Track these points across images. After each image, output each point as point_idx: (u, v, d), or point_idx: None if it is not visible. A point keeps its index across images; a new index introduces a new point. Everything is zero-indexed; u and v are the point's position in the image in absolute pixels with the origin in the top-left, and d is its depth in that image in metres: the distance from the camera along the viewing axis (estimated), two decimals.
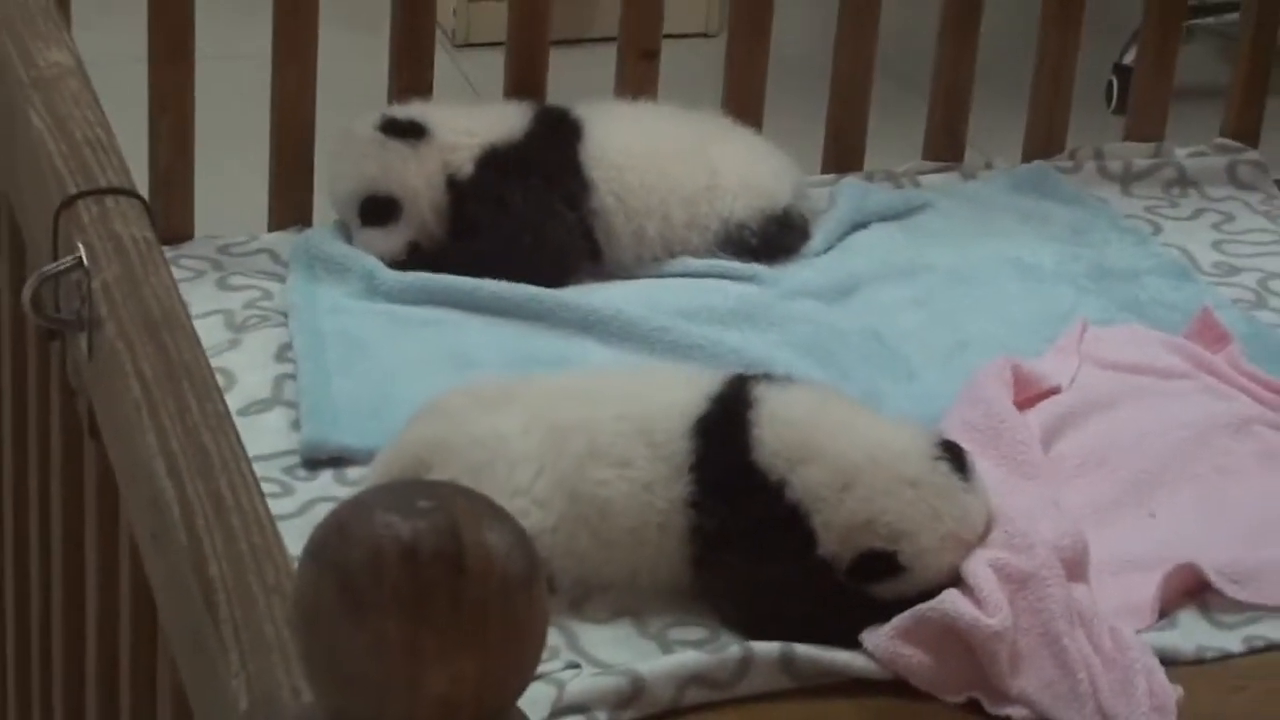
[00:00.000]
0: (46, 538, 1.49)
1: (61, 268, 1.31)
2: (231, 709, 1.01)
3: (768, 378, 2.11)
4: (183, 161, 2.53)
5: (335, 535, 0.87)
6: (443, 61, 3.44)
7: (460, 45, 3.77)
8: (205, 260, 2.50)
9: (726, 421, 2.04)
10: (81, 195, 1.36)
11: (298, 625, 0.88)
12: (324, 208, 2.58)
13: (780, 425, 2.03)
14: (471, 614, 0.84)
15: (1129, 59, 3.86)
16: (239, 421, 2.17)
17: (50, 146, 1.41)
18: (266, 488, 2.09)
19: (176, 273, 2.41)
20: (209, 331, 2.36)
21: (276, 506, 2.10)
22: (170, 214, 2.54)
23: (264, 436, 2.21)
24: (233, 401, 2.24)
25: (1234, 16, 3.37)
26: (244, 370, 2.31)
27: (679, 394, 2.07)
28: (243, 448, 1.20)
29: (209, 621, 1.07)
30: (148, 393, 1.21)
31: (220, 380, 2.24)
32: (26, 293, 1.32)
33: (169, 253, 2.48)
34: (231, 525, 1.11)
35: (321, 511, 2.10)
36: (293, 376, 2.29)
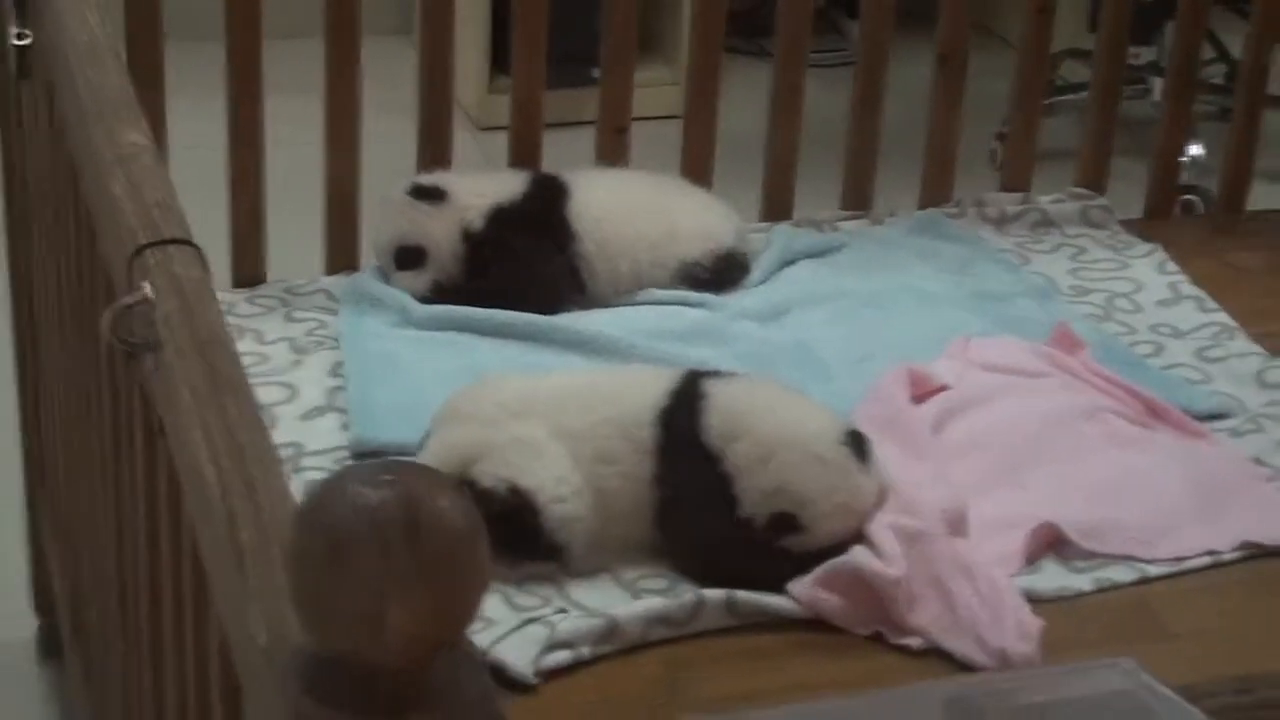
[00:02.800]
0: (135, 515, 1.49)
1: (132, 302, 1.30)
2: (255, 644, 1.00)
3: (716, 373, 2.10)
4: (256, 222, 2.52)
5: (318, 502, 0.87)
6: (467, 141, 3.45)
7: (482, 129, 3.77)
8: (275, 298, 2.49)
9: (682, 410, 2.03)
10: (149, 245, 1.35)
11: (290, 573, 0.88)
12: (367, 255, 2.57)
13: (721, 410, 2.02)
14: (426, 563, 0.83)
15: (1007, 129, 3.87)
16: (300, 425, 2.22)
17: (126, 207, 1.40)
18: (320, 475, 2.11)
19: (251, 308, 2.46)
20: (278, 354, 2.36)
21: None
22: (247, 263, 2.53)
23: (321, 435, 2.20)
24: (295, 408, 2.25)
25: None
26: (305, 384, 2.30)
27: (647, 391, 2.06)
28: (271, 441, 1.18)
29: (239, 578, 1.06)
30: (197, 400, 1.20)
31: (285, 392, 2.29)
32: (105, 321, 1.31)
33: (247, 293, 2.50)
34: (259, 502, 1.10)
35: None
36: (343, 388, 2.28)
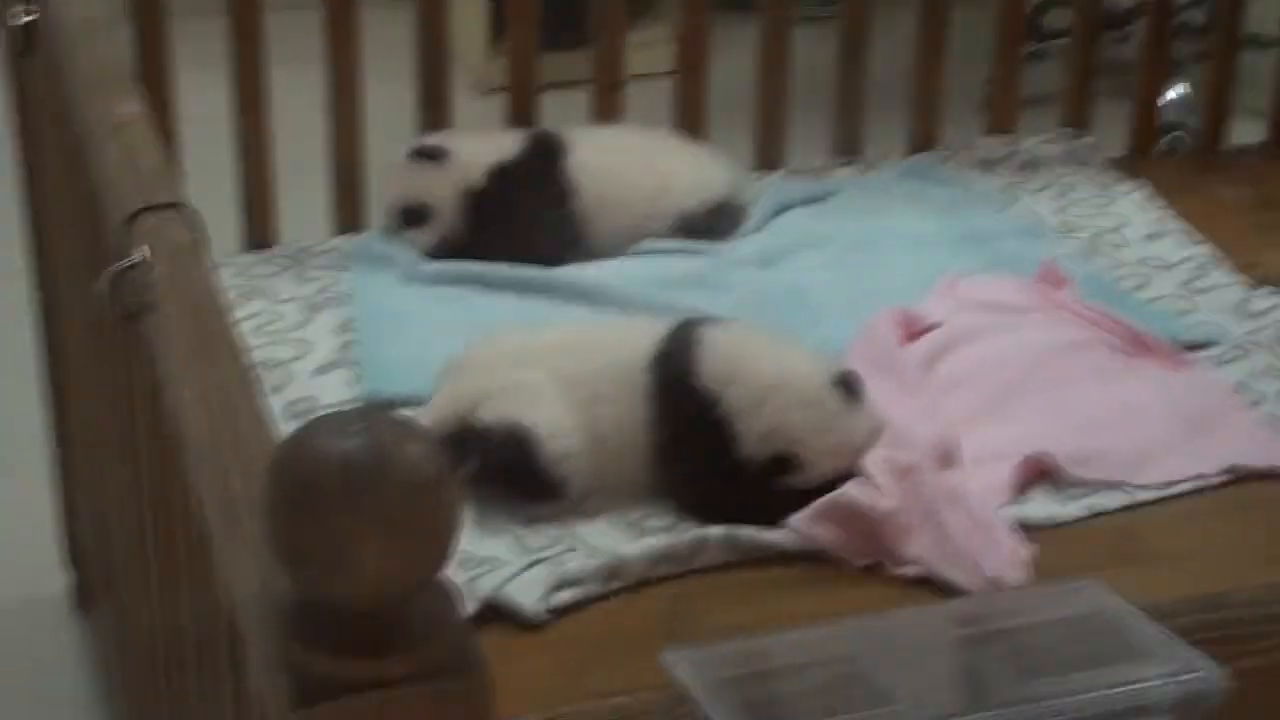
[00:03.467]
0: (139, 470, 1.48)
1: (127, 265, 1.29)
2: (249, 591, 0.99)
3: (708, 320, 2.08)
4: (266, 186, 2.51)
5: (292, 452, 0.86)
6: (473, 104, 3.43)
7: (487, 92, 3.74)
8: (288, 259, 2.47)
9: (677, 355, 2.02)
10: (144, 210, 1.34)
11: (267, 519, 0.87)
12: (375, 216, 2.55)
13: (715, 356, 2.01)
14: (394, 507, 0.82)
15: None
16: (313, 380, 2.21)
17: (123, 175, 1.39)
18: None
19: (265, 269, 2.45)
20: (290, 312, 2.35)
21: None
22: (260, 225, 2.52)
23: (333, 389, 2.19)
24: (308, 363, 2.24)
25: None
26: (318, 340, 2.28)
27: (643, 338, 2.05)
28: (261, 394, 1.17)
29: (232, 528, 1.05)
30: (188, 360, 1.19)
31: (298, 349, 2.27)
32: (101, 284, 1.30)
33: (259, 255, 2.49)
34: (251, 454, 1.08)
35: None
36: (353, 344, 2.27)
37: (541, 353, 2.04)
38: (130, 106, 1.46)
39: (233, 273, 2.43)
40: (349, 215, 2.55)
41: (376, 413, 0.87)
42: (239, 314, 2.34)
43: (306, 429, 0.86)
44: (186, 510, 1.31)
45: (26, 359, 2.52)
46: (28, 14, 2.02)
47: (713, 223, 2.50)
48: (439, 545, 0.84)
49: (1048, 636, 1.57)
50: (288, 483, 0.84)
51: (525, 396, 1.99)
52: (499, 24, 3.81)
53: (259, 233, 2.52)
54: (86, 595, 2.45)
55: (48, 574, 2.55)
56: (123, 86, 1.51)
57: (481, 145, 2.48)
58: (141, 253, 1.28)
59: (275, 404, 2.15)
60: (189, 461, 1.19)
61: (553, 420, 1.98)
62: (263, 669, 0.94)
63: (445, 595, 0.86)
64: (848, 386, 2.02)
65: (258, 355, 2.24)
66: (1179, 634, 1.58)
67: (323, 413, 2.07)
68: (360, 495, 0.81)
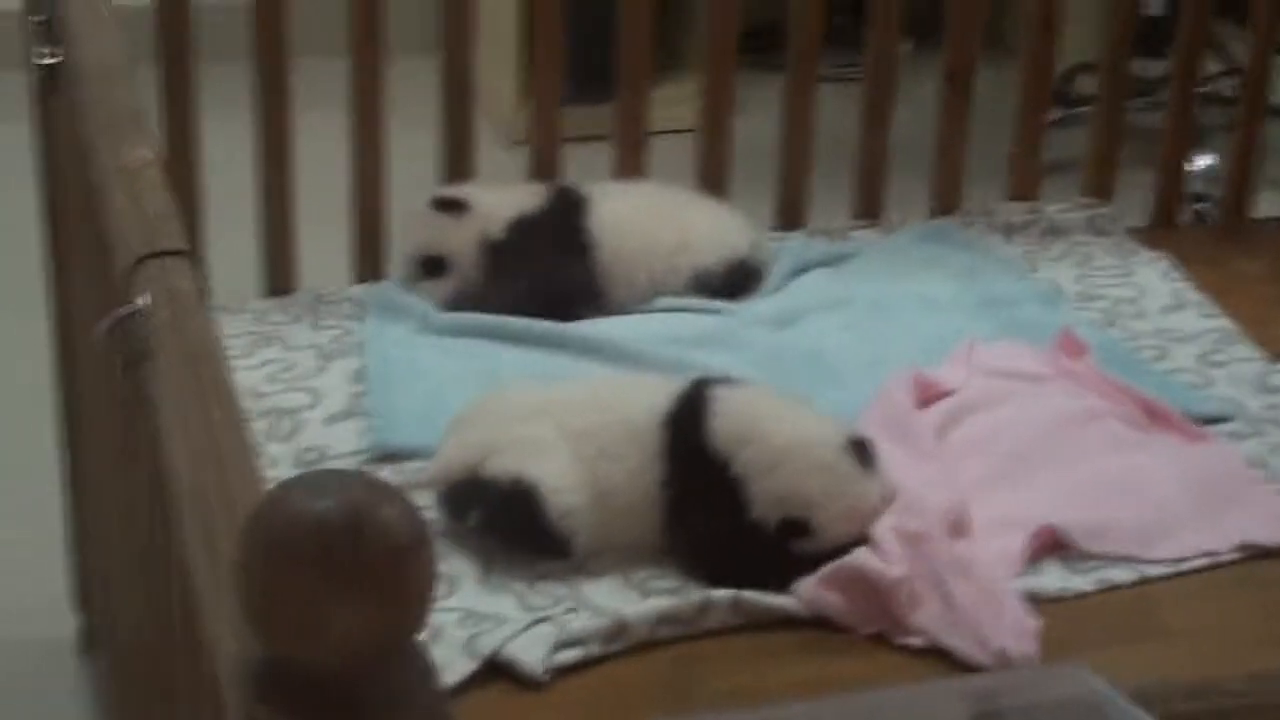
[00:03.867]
0: (135, 518, 1.46)
1: (127, 312, 1.27)
2: (227, 651, 0.97)
3: (722, 380, 2.06)
4: (287, 234, 2.50)
5: (267, 511, 0.83)
6: (501, 156, 3.42)
7: (515, 142, 3.73)
8: (304, 306, 2.45)
9: (689, 415, 2.00)
10: (147, 257, 1.32)
11: (241, 578, 0.84)
12: (395, 265, 2.53)
13: (729, 416, 1.99)
14: (367, 570, 0.80)
15: None
16: (324, 429, 2.18)
17: (129, 220, 1.38)
18: None
19: (281, 316, 2.43)
20: (304, 360, 2.33)
21: None
22: (279, 273, 2.51)
23: (344, 439, 2.16)
24: (320, 412, 2.22)
25: None
26: (330, 388, 2.26)
27: (655, 396, 2.03)
28: (252, 443, 1.15)
29: (216, 585, 1.02)
30: (182, 408, 1.17)
31: (310, 397, 2.25)
32: (100, 330, 1.29)
33: (277, 301, 2.48)
34: (238, 510, 1.06)
35: None
36: (365, 394, 2.24)
37: (550, 407, 2.02)
38: (142, 151, 1.45)
39: (250, 319, 2.42)
40: (370, 264, 2.54)
41: (353, 474, 0.85)
42: (253, 360, 2.32)
43: (282, 488, 0.84)
44: (179, 564, 1.29)
45: (46, 400, 2.51)
46: (52, 56, 2.01)
47: (731, 281, 2.48)
48: (412, 611, 0.82)
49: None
50: (261, 542, 0.81)
51: (531, 451, 1.97)
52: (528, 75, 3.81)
53: (280, 279, 2.50)
54: (94, 639, 2.43)
55: (59, 616, 2.53)
56: (137, 131, 1.50)
57: (502, 198, 2.47)
58: (143, 299, 1.26)
59: (285, 452, 2.14)
60: (179, 514, 1.17)
61: (557, 475, 1.96)
62: None
63: (419, 662, 0.84)
64: (861, 451, 2.00)
65: (270, 403, 2.23)
66: None
67: (332, 463, 2.10)
68: (333, 557, 0.79)
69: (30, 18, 2.07)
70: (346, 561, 0.78)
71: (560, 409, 2.02)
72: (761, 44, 3.52)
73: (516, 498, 1.94)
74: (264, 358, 2.33)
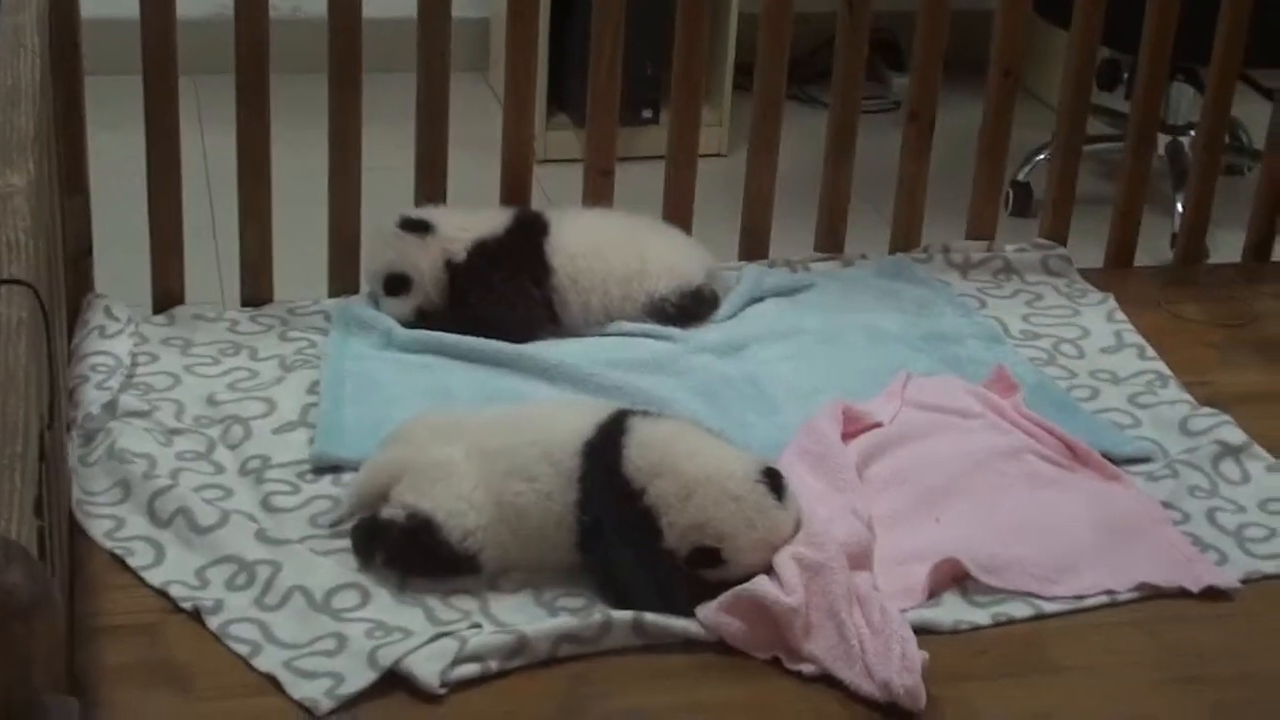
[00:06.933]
0: None
1: None
2: None
3: (642, 412, 2.03)
4: (263, 248, 2.49)
5: None
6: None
7: (540, 162, 3.72)
8: (275, 318, 2.45)
9: (607, 444, 1.97)
10: None
11: None
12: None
13: (644, 447, 1.96)
14: None
15: (1023, 176, 3.76)
16: (272, 438, 2.17)
17: None
18: (279, 487, 2.08)
19: (252, 326, 2.42)
20: (266, 370, 2.32)
21: (285, 501, 2.07)
22: (256, 286, 2.50)
23: (288, 449, 2.15)
24: (270, 423, 2.21)
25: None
26: (284, 400, 2.25)
27: (576, 423, 2.00)
28: (34, 485, 1.12)
29: None
30: None
31: (265, 406, 2.24)
32: None
33: (252, 312, 2.47)
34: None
35: (319, 507, 2.06)
36: (317, 405, 2.25)
37: (471, 428, 2.01)
38: (14, 178, 1.42)
39: (224, 327, 2.42)
40: (345, 278, 2.53)
41: None
42: (219, 368, 2.32)
43: None
44: None
45: None
46: None
47: (684, 308, 2.45)
48: (37, 669, 0.80)
49: None
50: None
51: (432, 477, 1.96)
52: (555, 96, 3.78)
53: (256, 291, 2.49)
54: None
55: None
56: (17, 156, 1.47)
57: (466, 220, 2.45)
58: None
59: (231, 459, 2.13)
60: None
61: (454, 498, 1.94)
62: None
63: (67, 713, 0.82)
64: (775, 482, 1.96)
65: (227, 410, 2.22)
66: None
67: (273, 471, 2.10)
68: None
69: None
70: None
71: (480, 429, 2.00)
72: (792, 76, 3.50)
73: (415, 531, 1.94)
74: (229, 365, 2.32)
